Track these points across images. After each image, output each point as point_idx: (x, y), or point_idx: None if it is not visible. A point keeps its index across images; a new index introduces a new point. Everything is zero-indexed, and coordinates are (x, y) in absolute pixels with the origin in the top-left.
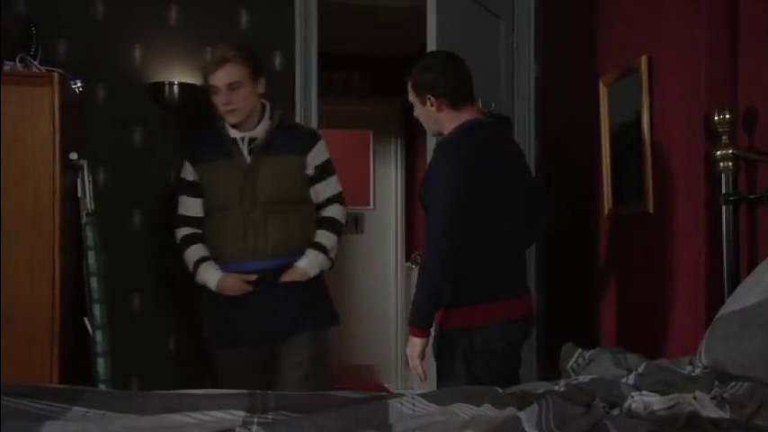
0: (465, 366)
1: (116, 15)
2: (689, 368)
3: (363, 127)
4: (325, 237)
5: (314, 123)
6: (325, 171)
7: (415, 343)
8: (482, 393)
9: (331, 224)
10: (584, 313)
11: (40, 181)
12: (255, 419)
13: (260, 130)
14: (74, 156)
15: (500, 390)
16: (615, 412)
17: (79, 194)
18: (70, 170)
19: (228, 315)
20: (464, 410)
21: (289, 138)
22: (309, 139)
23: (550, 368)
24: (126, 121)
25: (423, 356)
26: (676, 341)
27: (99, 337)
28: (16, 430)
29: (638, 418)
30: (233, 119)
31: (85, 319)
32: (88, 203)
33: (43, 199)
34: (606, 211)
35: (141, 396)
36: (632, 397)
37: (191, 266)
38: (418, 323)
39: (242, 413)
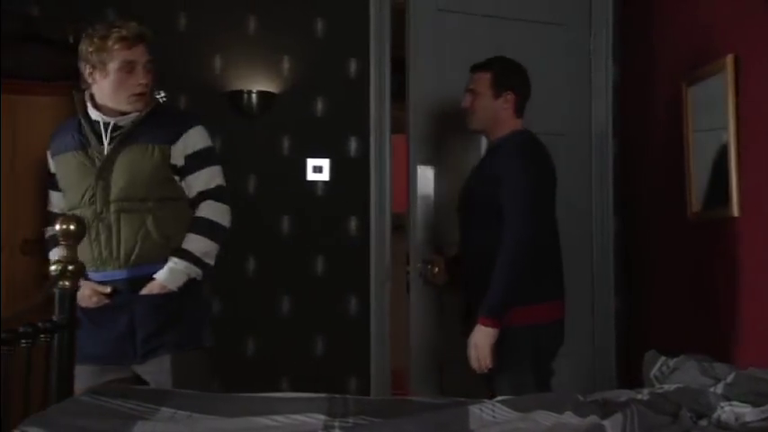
0: (531, 363)
1: (198, 27)
2: None
3: None
4: (193, 241)
5: (387, 128)
6: (197, 161)
7: (490, 333)
8: (563, 400)
9: (202, 226)
10: (665, 319)
11: None
12: (336, 423)
13: (128, 118)
14: None
15: (581, 397)
16: (704, 423)
17: None
18: None
19: (82, 328)
20: (545, 418)
21: (156, 125)
22: (180, 126)
23: (631, 375)
24: (206, 128)
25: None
26: (764, 351)
27: None
28: (111, 428)
29: (729, 429)
30: (139, 105)
31: None
32: None
33: None
34: (689, 214)
35: (225, 399)
36: (722, 407)
37: (50, 271)
38: (496, 313)
39: (323, 416)
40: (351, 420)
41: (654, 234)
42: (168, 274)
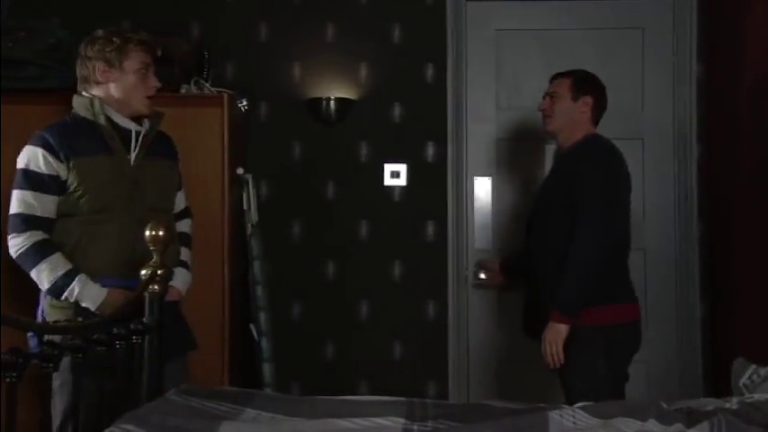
0: (605, 364)
1: (277, 37)
2: None
3: None
4: (186, 255)
5: (464, 132)
6: (181, 180)
7: (562, 329)
8: (646, 408)
9: (188, 241)
10: (754, 326)
11: (210, 195)
12: (415, 427)
13: (147, 127)
14: (240, 170)
15: (665, 405)
16: None
17: (244, 207)
18: (237, 184)
19: None
20: (627, 425)
21: (161, 140)
22: (173, 144)
23: (718, 384)
24: (286, 135)
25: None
26: None
27: (264, 342)
28: (200, 427)
29: None
30: (148, 109)
31: (251, 325)
32: (253, 215)
33: (213, 212)
34: None
35: (307, 401)
36: None
37: (52, 279)
38: (569, 310)
39: (401, 420)
40: (430, 424)
41: (741, 238)
42: (182, 283)
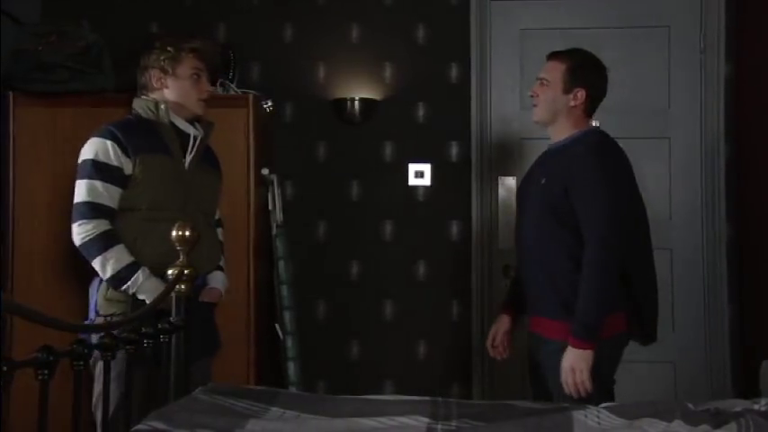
0: (595, 380)
1: (302, 37)
2: None
3: None
4: (222, 260)
5: (488, 132)
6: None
7: (588, 355)
8: (672, 409)
9: (222, 248)
10: None
11: (236, 195)
12: (439, 426)
13: (202, 134)
14: (265, 171)
15: (691, 406)
16: None
17: (270, 207)
18: (262, 184)
19: None
20: (653, 426)
21: (211, 152)
22: (218, 159)
23: (747, 386)
24: (311, 136)
25: None
26: None
27: (289, 342)
28: (226, 425)
29: None
30: (203, 110)
31: (276, 324)
32: (278, 215)
33: (239, 212)
34: None
35: (332, 400)
36: None
37: (117, 268)
38: (592, 333)
39: (426, 419)
40: (453, 423)
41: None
42: (223, 286)
